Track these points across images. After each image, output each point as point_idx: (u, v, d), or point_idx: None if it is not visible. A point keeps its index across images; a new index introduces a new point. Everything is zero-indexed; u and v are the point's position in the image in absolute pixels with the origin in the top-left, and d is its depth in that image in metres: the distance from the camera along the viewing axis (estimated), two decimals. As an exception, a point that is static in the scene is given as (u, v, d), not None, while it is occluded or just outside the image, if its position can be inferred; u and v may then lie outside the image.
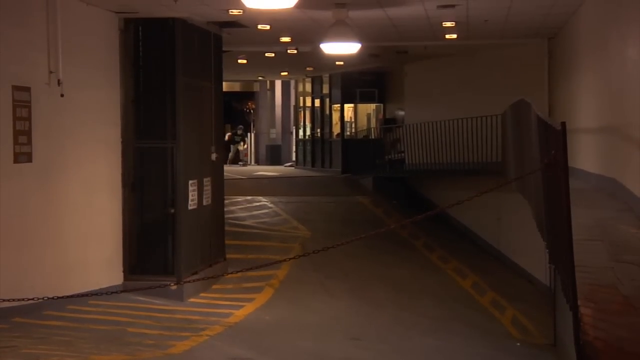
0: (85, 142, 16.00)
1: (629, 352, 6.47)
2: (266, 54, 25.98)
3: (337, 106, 36.20)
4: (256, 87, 44.83)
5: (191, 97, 17.88)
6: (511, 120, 18.09)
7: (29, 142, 14.22)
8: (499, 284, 20.25)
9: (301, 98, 41.47)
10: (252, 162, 44.04)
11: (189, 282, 16.33)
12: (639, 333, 6.86)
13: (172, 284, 16.16)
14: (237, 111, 44.41)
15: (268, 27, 19.06)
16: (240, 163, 42.10)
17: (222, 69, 19.94)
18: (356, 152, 33.55)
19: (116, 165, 17.14)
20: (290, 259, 12.33)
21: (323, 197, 26.72)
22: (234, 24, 18.38)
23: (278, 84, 44.09)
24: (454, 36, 21.05)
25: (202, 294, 17.50)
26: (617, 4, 13.89)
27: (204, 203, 18.54)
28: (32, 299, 8.20)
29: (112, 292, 15.03)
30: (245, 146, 44.03)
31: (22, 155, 14.09)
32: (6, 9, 13.76)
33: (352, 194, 29.58)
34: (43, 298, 8.53)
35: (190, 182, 17.81)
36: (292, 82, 42.60)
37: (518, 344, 15.48)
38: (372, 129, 35.97)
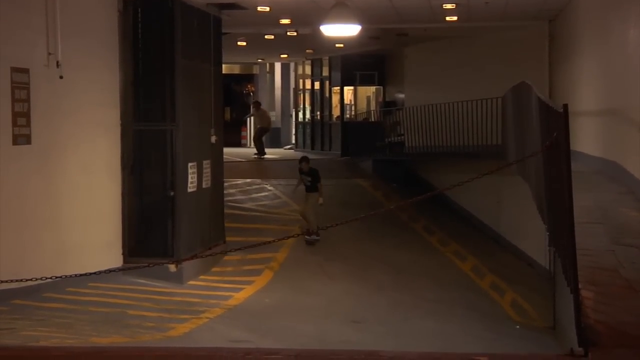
0: (84, 124, 16.00)
1: (631, 335, 6.48)
2: (266, 36, 25.98)
3: (336, 89, 36.16)
4: (256, 70, 44.76)
5: (190, 80, 17.86)
6: (512, 103, 18.06)
7: (28, 124, 14.23)
8: (499, 267, 20.27)
9: (301, 80, 41.45)
10: (252, 145, 43.99)
11: (188, 259, 16.38)
12: (639, 316, 6.87)
13: (171, 264, 16.21)
14: (237, 94, 44.31)
15: (268, 8, 19.04)
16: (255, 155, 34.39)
17: (221, 52, 19.93)
18: (356, 134, 33.51)
19: (115, 147, 17.13)
20: (289, 237, 12.37)
21: (323, 180, 26.69)
22: (233, 5, 18.36)
23: (278, 67, 44.03)
24: (455, 18, 21.03)
25: (201, 277, 17.53)
26: (619, -14, 13.88)
27: (204, 186, 18.55)
28: (31, 279, 8.20)
29: (111, 274, 15.05)
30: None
31: (21, 137, 14.10)
32: (5, -10, 13.75)
33: (352, 176, 29.57)
34: (42, 279, 8.52)
35: (190, 164, 17.81)
36: (292, 65, 42.58)
37: (517, 326, 15.51)
38: (372, 112, 35.95)
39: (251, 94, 44.98)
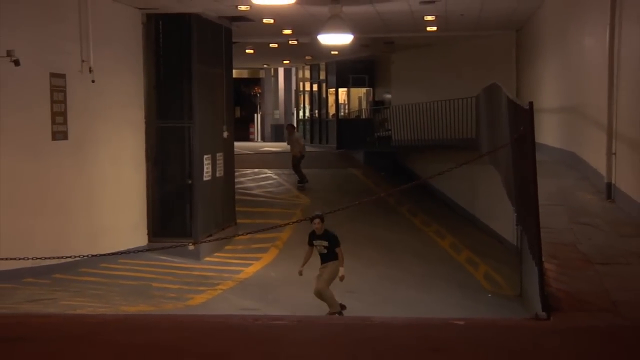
0: (113, 122, 16.00)
1: (587, 301, 6.49)
2: (270, 45, 25.91)
3: (332, 90, 36.11)
4: (262, 74, 44.71)
5: (205, 83, 17.85)
6: (484, 102, 18.06)
7: (65, 122, 14.23)
8: (473, 243, 20.25)
9: (301, 83, 41.41)
10: (259, 139, 43.97)
11: (204, 239, 16.41)
12: (595, 284, 6.89)
13: (190, 243, 16.23)
14: (245, 95, 44.26)
15: (272, 21, 19.01)
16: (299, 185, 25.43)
17: (232, 58, 19.90)
18: (349, 130, 33.47)
19: (140, 142, 17.14)
20: (294, 222, 12.43)
21: (320, 170, 26.69)
22: (242, 18, 18.34)
23: (281, 71, 43.97)
24: (434, 28, 21.00)
25: (216, 254, 17.53)
26: (576, 0, 13.86)
27: (217, 175, 18.55)
28: (69, 256, 8.25)
29: (138, 252, 15.09)
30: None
31: (59, 134, 14.11)
32: (44, 5, 13.74)
33: (346, 166, 29.55)
34: (78, 256, 8.57)
35: (205, 156, 17.81)
36: (293, 69, 42.51)
37: (489, 295, 15.52)
38: (363, 110, 35.91)
39: (258, 95, 44.93)
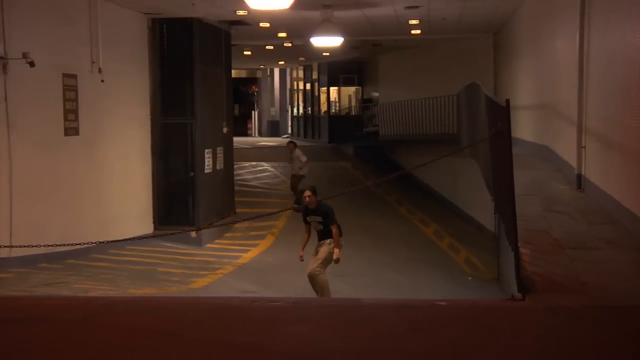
0: (121, 118, 15.97)
1: (559, 282, 6.53)
2: (266, 47, 25.88)
3: (324, 89, 36.09)
4: (259, 74, 44.64)
5: (206, 82, 17.82)
6: (464, 99, 18.07)
7: (76, 119, 14.21)
8: (455, 231, 20.30)
9: (295, 82, 41.36)
10: (256, 134, 43.93)
11: (205, 227, 16.39)
12: (566, 268, 6.92)
13: (192, 231, 16.23)
14: (244, 93, 44.18)
15: (268, 24, 18.99)
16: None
17: (231, 59, 19.87)
18: (340, 125, 33.50)
19: (146, 137, 17.11)
20: (287, 209, 12.39)
21: (313, 162, 26.66)
22: (240, 22, 18.31)
23: (276, 71, 43.93)
24: (418, 31, 20.99)
25: (216, 241, 17.51)
26: (548, 6, 13.87)
27: (218, 167, 18.53)
28: (81, 243, 8.24)
29: (144, 239, 15.08)
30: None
31: (71, 130, 14.08)
32: (57, 11, 13.71)
33: (337, 159, 29.55)
34: (89, 243, 8.56)
35: (206, 150, 17.79)
36: (288, 70, 42.47)
37: (470, 278, 15.55)
38: (353, 107, 35.92)
39: (255, 93, 44.86)
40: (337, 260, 11.03)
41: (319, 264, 11.08)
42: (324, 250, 11.07)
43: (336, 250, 10.97)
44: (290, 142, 21.68)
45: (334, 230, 10.95)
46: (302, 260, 11.40)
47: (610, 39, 9.28)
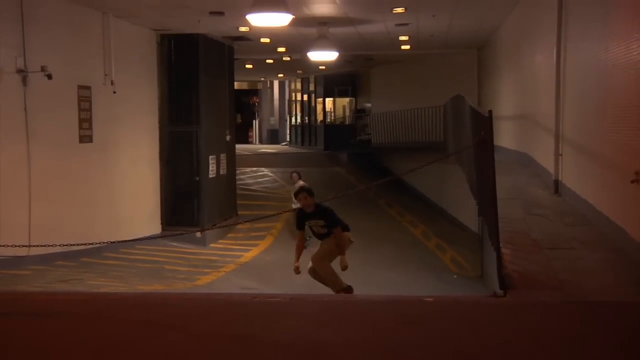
0: (132, 127, 16.00)
1: (537, 280, 6.54)
2: (267, 61, 25.89)
3: (320, 100, 36.08)
4: (259, 86, 44.66)
5: (210, 93, 17.86)
6: (450, 110, 18.10)
7: (90, 127, 14.23)
8: (441, 231, 20.29)
9: (293, 94, 41.36)
10: (257, 142, 43.91)
11: (209, 228, 16.41)
12: (544, 266, 6.94)
13: (197, 231, 16.23)
14: (245, 104, 44.19)
15: (268, 40, 19.01)
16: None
17: (233, 72, 19.91)
18: (335, 134, 33.49)
19: (155, 144, 17.14)
20: (286, 211, 12.36)
21: (310, 168, 26.67)
22: (242, 38, 18.34)
23: (276, 83, 43.94)
24: (408, 47, 21.03)
25: (220, 241, 17.53)
26: (528, 24, 13.91)
27: (221, 172, 18.56)
28: (94, 242, 8.25)
29: (153, 239, 15.09)
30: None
31: (85, 137, 14.10)
32: (73, 27, 13.73)
33: (332, 165, 29.57)
34: (102, 242, 8.57)
35: (210, 157, 17.82)
36: (287, 82, 42.48)
37: (455, 276, 15.53)
38: (347, 117, 35.92)
39: (256, 104, 44.85)
40: (345, 268, 9.13)
41: (320, 256, 9.21)
42: (326, 246, 9.18)
43: (342, 258, 9.07)
44: (294, 172, 17.74)
45: (338, 233, 9.00)
46: (299, 273, 9.40)
47: (585, 54, 9.32)
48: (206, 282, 13.15)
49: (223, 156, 18.76)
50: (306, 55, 17.47)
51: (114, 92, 14.83)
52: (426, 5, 14.57)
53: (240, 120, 40.97)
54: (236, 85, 23.59)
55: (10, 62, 11.90)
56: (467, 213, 19.34)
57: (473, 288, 13.38)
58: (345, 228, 9.20)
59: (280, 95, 44.19)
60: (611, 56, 7.88)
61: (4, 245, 9.76)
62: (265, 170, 27.60)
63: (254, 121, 44.78)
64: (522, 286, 6.36)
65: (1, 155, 11.75)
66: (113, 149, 15.15)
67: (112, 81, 14.75)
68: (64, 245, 8.63)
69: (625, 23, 7.34)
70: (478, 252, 15.58)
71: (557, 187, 10.84)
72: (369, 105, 32.48)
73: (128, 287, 11.67)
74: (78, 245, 8.62)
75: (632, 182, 6.79)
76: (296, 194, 9.23)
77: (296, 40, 18.84)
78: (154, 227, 16.81)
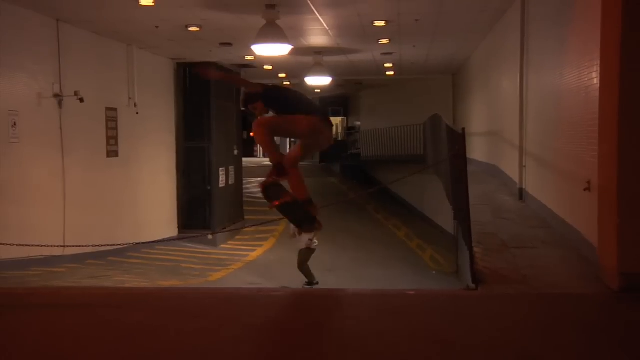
0: (152, 143, 16.02)
1: (505, 275, 6.57)
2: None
3: (316, 119, 36.03)
4: (263, 107, 44.62)
5: (220, 113, 17.89)
6: (429, 127, 18.11)
7: (116, 144, 14.25)
8: (422, 233, 20.26)
9: (292, 114, 41.26)
10: (261, 156, 43.85)
11: (220, 231, 16.39)
12: (510, 263, 6.96)
13: (209, 234, 16.24)
14: (251, 122, 44.04)
15: (271, 67, 19.07)
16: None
17: (240, 95, 19.90)
18: (329, 148, 33.47)
19: (172, 158, 17.17)
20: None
21: (307, 178, 26.59)
22: (248, 65, 18.39)
23: (277, 105, 43.89)
24: (392, 73, 21.09)
25: (229, 242, 17.53)
26: (496, 52, 13.98)
27: (230, 182, 18.58)
28: (119, 244, 8.29)
29: (170, 240, 15.08)
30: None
31: (112, 152, 14.12)
32: (101, 57, 13.77)
33: (327, 176, 29.58)
34: (126, 243, 8.61)
35: (220, 169, 17.84)
36: (287, 103, 42.38)
37: (434, 272, 15.52)
38: (339, 134, 35.95)
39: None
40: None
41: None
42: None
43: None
44: None
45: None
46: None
47: (544, 80, 9.39)
48: (217, 278, 13.16)
49: (231, 168, 18.79)
50: (304, 80, 17.53)
51: (137, 113, 14.86)
52: (408, 37, 14.65)
53: (246, 137, 40.93)
54: (243, 106, 23.56)
55: (48, 88, 11.95)
56: (444, 217, 19.32)
57: (449, 282, 13.38)
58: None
59: (281, 115, 44.10)
60: (565, 82, 7.96)
61: (42, 245, 9.80)
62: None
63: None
64: (491, 281, 6.38)
65: (40, 168, 11.78)
66: (136, 162, 15.18)
67: (135, 103, 14.79)
68: (93, 246, 8.67)
69: (577, 54, 7.43)
70: (453, 251, 15.58)
71: (521, 194, 10.89)
72: (358, 123, 32.53)
73: (149, 283, 11.69)
74: (106, 246, 8.66)
75: (585, 190, 6.85)
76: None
77: (295, 67, 18.91)
78: (172, 230, 16.82)
